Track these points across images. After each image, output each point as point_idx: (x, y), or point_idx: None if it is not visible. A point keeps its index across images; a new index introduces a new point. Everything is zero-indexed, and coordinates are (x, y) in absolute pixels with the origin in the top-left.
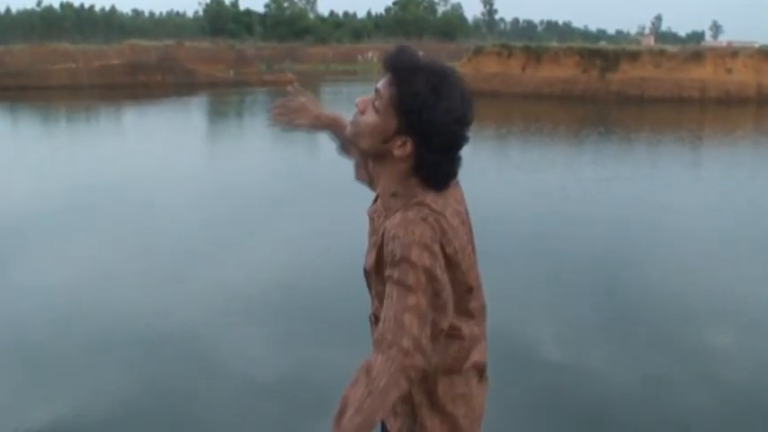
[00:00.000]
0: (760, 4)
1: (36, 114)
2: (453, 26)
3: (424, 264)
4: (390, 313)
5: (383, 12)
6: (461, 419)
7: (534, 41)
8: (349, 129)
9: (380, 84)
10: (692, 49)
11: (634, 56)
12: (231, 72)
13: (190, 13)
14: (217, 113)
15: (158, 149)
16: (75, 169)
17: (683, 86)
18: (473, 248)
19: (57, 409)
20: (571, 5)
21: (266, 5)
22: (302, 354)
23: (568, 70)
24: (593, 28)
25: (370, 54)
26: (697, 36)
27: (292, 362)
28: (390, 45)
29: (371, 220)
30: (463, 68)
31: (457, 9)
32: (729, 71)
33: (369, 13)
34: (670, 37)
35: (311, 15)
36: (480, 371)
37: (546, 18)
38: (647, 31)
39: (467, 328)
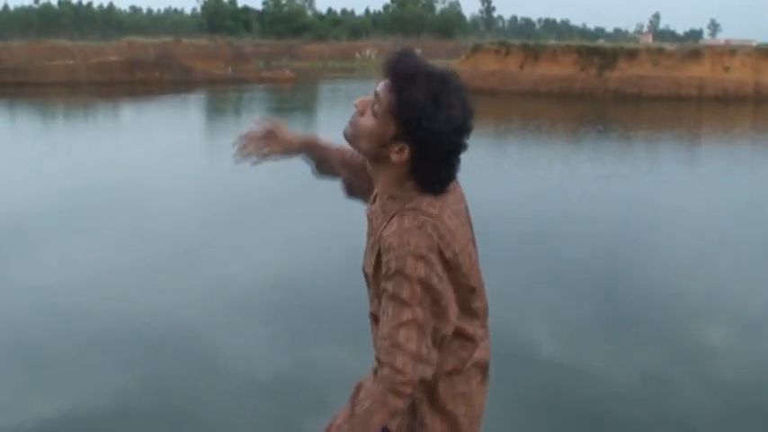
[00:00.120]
0: (758, 2)
1: (34, 111)
2: (451, 24)
3: (419, 275)
4: (385, 331)
5: (381, 9)
6: (461, 418)
7: (532, 39)
8: (347, 129)
9: (380, 87)
10: (690, 47)
11: (632, 54)
12: (229, 69)
13: (188, 10)
14: (215, 110)
15: (157, 147)
16: (74, 167)
17: (681, 85)
18: (474, 247)
19: (57, 409)
20: (569, 3)
21: (264, 3)
22: (302, 353)
23: (566, 68)
24: (591, 26)
25: (368, 51)
26: (695, 34)
27: (292, 361)
28: (388, 43)
29: (370, 220)
30: (461, 66)
31: (455, 7)
32: (727, 69)
33: (367, 11)
34: (668, 35)
35: (309, 13)
36: (483, 369)
37: (544, 16)
38: (645, 29)
39: (471, 328)
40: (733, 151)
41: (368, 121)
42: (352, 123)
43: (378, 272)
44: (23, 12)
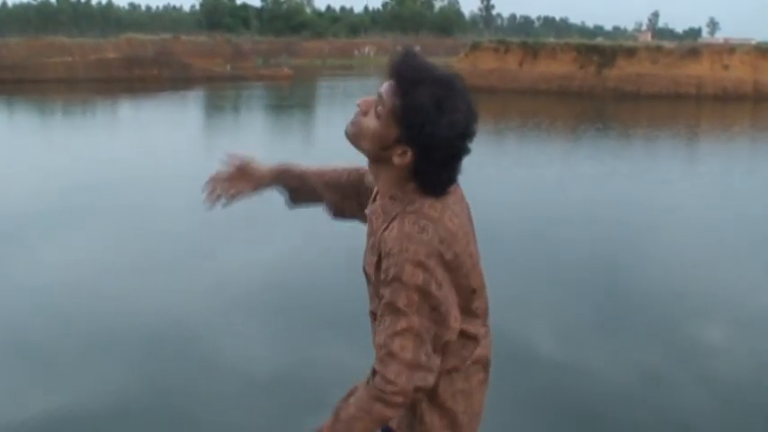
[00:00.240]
0: (758, 1)
1: (33, 108)
2: (450, 21)
3: (416, 283)
4: (381, 339)
5: (380, 7)
6: (461, 415)
7: (531, 37)
8: (349, 128)
9: (384, 89)
10: (689, 45)
11: (631, 52)
12: (228, 66)
13: (186, 8)
14: (214, 108)
15: (156, 144)
16: (73, 165)
17: (680, 83)
18: (475, 246)
19: (57, 407)
20: (568, 1)
21: (263, 0)
22: (302, 351)
23: (565, 66)
24: (590, 24)
25: (366, 49)
26: (694, 33)
27: (292, 360)
28: (387, 40)
29: (370, 220)
30: (460, 64)
31: (454, 4)
32: (726, 68)
33: (366, 8)
34: (667, 33)
35: (308, 10)
36: (484, 366)
37: (543, 14)
38: (644, 27)
39: (472, 328)
40: (732, 149)
41: (371, 122)
42: (355, 123)
43: (378, 272)
44: (22, 8)
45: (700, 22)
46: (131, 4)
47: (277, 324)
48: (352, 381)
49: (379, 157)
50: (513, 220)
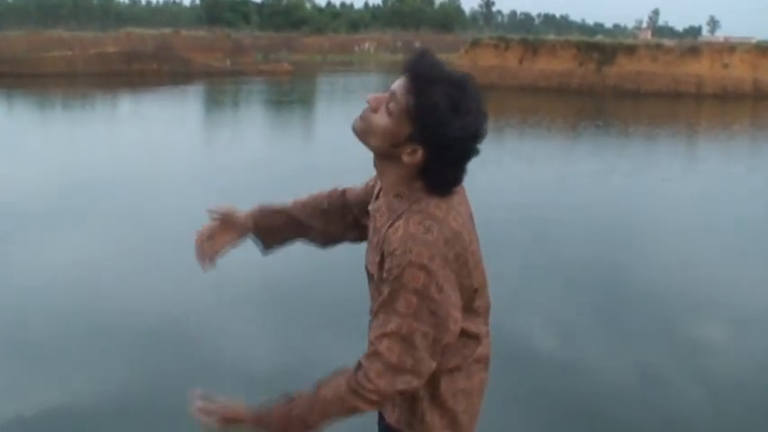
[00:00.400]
0: (758, 0)
1: (32, 102)
2: (451, 18)
3: (415, 286)
4: (371, 336)
5: (380, 2)
6: (461, 415)
7: (531, 34)
8: (358, 124)
9: (397, 87)
10: (689, 43)
11: (631, 50)
12: (228, 61)
13: (187, 2)
14: (213, 102)
15: (156, 139)
16: (72, 160)
17: (680, 81)
18: (478, 245)
19: (54, 405)
20: None
21: None
22: (302, 349)
23: (565, 63)
24: (590, 21)
25: (366, 45)
26: (694, 31)
27: (291, 357)
28: (387, 36)
29: (374, 218)
30: (460, 61)
31: (454, 1)
32: (726, 66)
33: (366, 4)
34: (667, 31)
35: (308, 5)
36: (485, 365)
37: (543, 11)
38: (644, 25)
39: (473, 327)
40: (732, 148)
41: (381, 119)
42: (364, 119)
43: (381, 271)
44: (22, 2)
45: (700, 20)
46: None
47: (277, 323)
48: None
49: (387, 155)
50: (513, 217)
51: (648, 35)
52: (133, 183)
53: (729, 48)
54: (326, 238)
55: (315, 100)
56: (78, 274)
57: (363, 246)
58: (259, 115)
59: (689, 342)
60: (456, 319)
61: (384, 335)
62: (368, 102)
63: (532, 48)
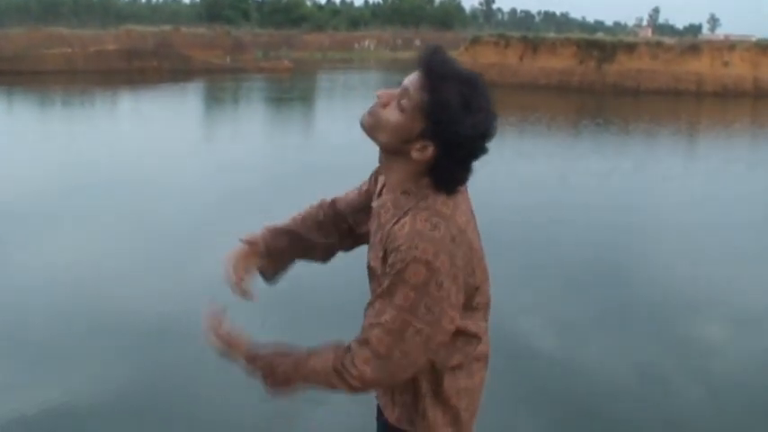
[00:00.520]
0: None
1: (33, 99)
2: (451, 15)
3: (416, 281)
4: (365, 323)
5: (380, 0)
6: (463, 412)
7: (531, 32)
8: (366, 119)
9: (410, 83)
10: (689, 41)
11: (631, 48)
12: (228, 58)
13: None
14: (214, 99)
15: (158, 136)
16: (72, 157)
17: (680, 79)
18: (480, 243)
19: (54, 400)
20: None
21: None
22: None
23: (565, 61)
24: (590, 19)
25: (366, 42)
26: (694, 29)
27: None
28: (387, 34)
29: (378, 214)
30: (460, 58)
31: None
32: (726, 64)
33: (366, 2)
34: (667, 29)
35: (308, 3)
36: (486, 362)
37: (543, 8)
38: (644, 23)
39: (473, 323)
40: (733, 146)
41: (392, 114)
42: (373, 114)
43: (384, 266)
44: None
45: (700, 18)
46: None
47: (277, 320)
48: None
49: (395, 151)
50: (513, 216)
51: (649, 33)
52: (133, 181)
53: (729, 46)
54: (327, 251)
55: (315, 97)
56: (77, 273)
57: (364, 247)
58: (259, 112)
59: (689, 341)
60: (452, 318)
61: (377, 324)
62: (378, 97)
63: (533, 45)
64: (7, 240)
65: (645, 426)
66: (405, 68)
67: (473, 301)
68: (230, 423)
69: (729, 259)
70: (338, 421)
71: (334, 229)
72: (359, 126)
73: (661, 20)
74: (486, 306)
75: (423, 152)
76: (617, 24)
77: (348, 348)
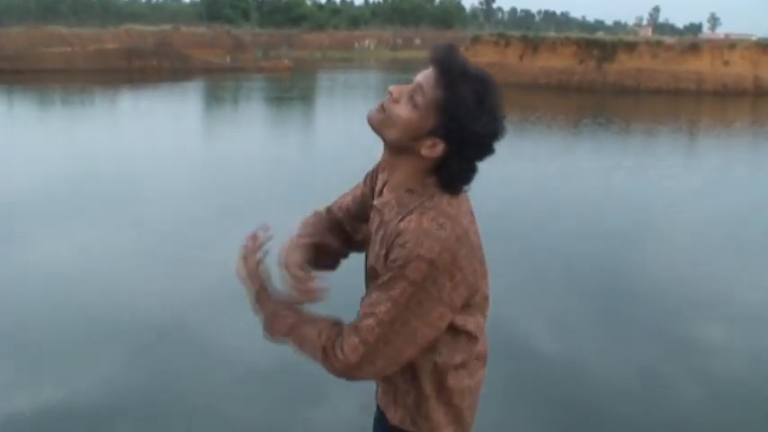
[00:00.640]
0: None
1: (33, 98)
2: (451, 15)
3: (416, 277)
4: (360, 310)
5: None
6: (465, 411)
7: (531, 31)
8: (375, 115)
9: (424, 79)
10: (690, 40)
11: (631, 47)
12: (228, 58)
13: None
14: (214, 99)
15: (157, 135)
16: (72, 155)
17: (680, 78)
18: (480, 243)
19: (54, 398)
20: None
21: None
22: None
23: (565, 60)
24: (590, 18)
25: (367, 42)
26: (694, 28)
27: (290, 350)
28: (388, 33)
29: (380, 212)
30: None
31: None
32: (726, 63)
33: (366, 1)
34: (667, 28)
35: (308, 2)
36: (484, 361)
37: (543, 8)
38: (644, 22)
39: (472, 321)
40: (734, 145)
41: (404, 110)
42: (384, 109)
43: (386, 263)
44: None
45: (700, 17)
46: None
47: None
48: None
49: (403, 148)
50: (514, 214)
51: (649, 32)
52: (133, 180)
53: (730, 45)
54: (335, 258)
55: (315, 96)
56: (76, 271)
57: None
58: (259, 112)
59: (689, 340)
60: (441, 314)
61: (371, 314)
62: (390, 92)
63: (533, 45)
64: (5, 239)
65: (645, 426)
66: (405, 68)
67: (475, 299)
68: (230, 415)
69: (730, 258)
70: (338, 421)
71: (336, 236)
72: (355, 126)
73: (661, 19)
74: (485, 303)
75: (432, 149)
76: (617, 24)
77: (340, 332)
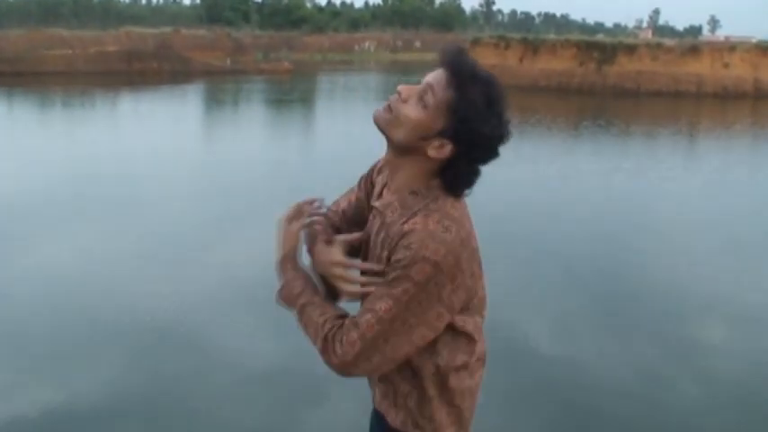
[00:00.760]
0: None
1: (34, 100)
2: (451, 17)
3: (420, 278)
4: (362, 307)
5: (380, 1)
6: (466, 411)
7: (532, 33)
8: (382, 114)
9: (434, 80)
10: (690, 43)
11: (631, 49)
12: (228, 60)
13: (187, 1)
14: (214, 101)
15: (158, 138)
16: (72, 157)
17: (680, 80)
18: (477, 247)
19: (54, 400)
20: None
21: None
22: (301, 344)
23: (565, 62)
24: (590, 21)
25: (366, 44)
26: (694, 30)
27: (290, 352)
28: (387, 35)
29: (381, 214)
30: None
31: (454, 0)
32: (726, 66)
33: (366, 3)
34: (667, 31)
35: (308, 4)
36: (483, 362)
37: (543, 10)
38: (644, 24)
39: (471, 321)
40: (734, 147)
41: (413, 110)
42: (391, 109)
43: (388, 264)
44: (23, 1)
45: (701, 19)
46: None
47: (276, 318)
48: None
49: (410, 148)
50: (513, 214)
51: (649, 34)
52: (133, 182)
53: (730, 47)
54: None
55: (315, 99)
56: (77, 273)
57: None
58: (259, 114)
59: (689, 342)
60: (439, 314)
61: (371, 310)
62: (399, 92)
63: (533, 47)
64: (5, 239)
65: (645, 427)
66: (405, 70)
67: (474, 301)
68: (230, 417)
69: (730, 258)
70: (339, 422)
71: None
72: (355, 129)
73: (661, 21)
74: (483, 303)
75: (440, 150)
76: (617, 26)
77: (341, 325)
